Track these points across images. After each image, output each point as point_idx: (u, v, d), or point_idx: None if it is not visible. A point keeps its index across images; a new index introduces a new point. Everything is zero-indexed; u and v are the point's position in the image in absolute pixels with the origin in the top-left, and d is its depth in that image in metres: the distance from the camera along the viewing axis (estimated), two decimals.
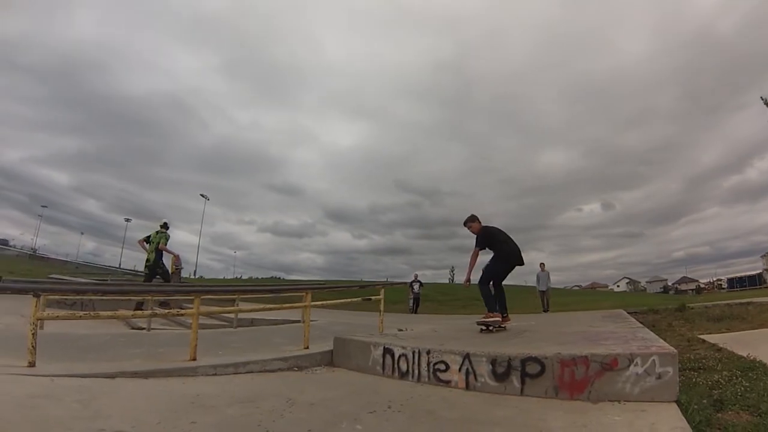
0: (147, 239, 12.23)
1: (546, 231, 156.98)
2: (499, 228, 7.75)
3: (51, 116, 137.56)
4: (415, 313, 21.90)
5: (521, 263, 7.54)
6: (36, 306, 4.82)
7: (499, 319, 7.05)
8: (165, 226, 12.59)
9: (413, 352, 4.91)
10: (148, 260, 11.97)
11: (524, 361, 4.09)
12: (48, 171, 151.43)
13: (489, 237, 7.48)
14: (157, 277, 11.99)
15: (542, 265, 20.04)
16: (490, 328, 6.89)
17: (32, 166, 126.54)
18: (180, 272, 13.92)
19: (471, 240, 7.49)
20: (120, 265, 68.23)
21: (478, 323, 7.04)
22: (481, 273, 7.39)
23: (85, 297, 11.18)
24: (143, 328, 9.47)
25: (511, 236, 7.66)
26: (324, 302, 7.69)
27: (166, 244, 12.25)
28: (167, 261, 12.51)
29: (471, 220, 7.76)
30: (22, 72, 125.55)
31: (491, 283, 7.39)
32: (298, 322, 9.71)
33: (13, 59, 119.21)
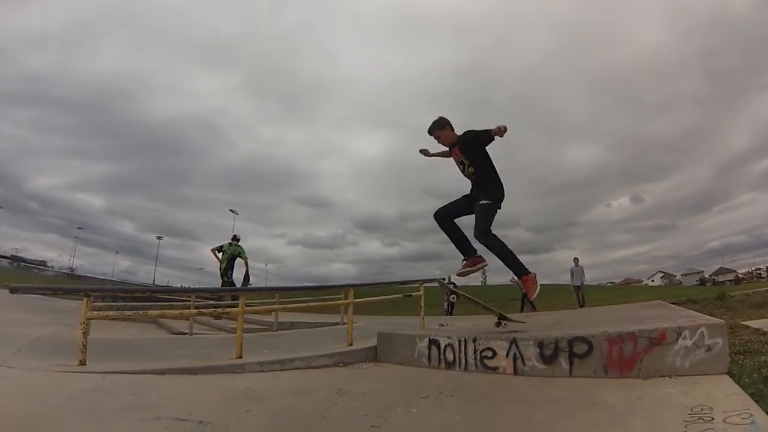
0: (219, 249, 12.94)
1: (577, 228, 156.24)
2: None
3: (83, 144, 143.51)
4: (451, 314, 21.87)
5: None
6: (86, 306, 5.02)
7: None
8: (236, 238, 13.27)
9: (459, 341, 4.89)
10: (221, 268, 12.69)
11: (571, 342, 4.06)
12: (82, 196, 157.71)
13: (478, 151, 5.36)
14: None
15: (576, 260, 20.02)
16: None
17: (67, 191, 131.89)
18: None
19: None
20: (154, 281, 70.10)
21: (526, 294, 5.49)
22: (478, 221, 5.21)
23: (131, 297, 11.58)
24: (185, 333, 9.64)
25: None
26: (366, 299, 7.70)
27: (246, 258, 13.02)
28: (238, 272, 13.11)
29: (440, 126, 5.55)
30: (53, 104, 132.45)
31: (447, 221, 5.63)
32: (338, 324, 9.84)
33: (45, 93, 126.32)
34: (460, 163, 5.53)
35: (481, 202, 5.23)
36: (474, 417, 3.11)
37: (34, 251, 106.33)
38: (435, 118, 5.60)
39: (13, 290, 5.40)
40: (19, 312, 10.58)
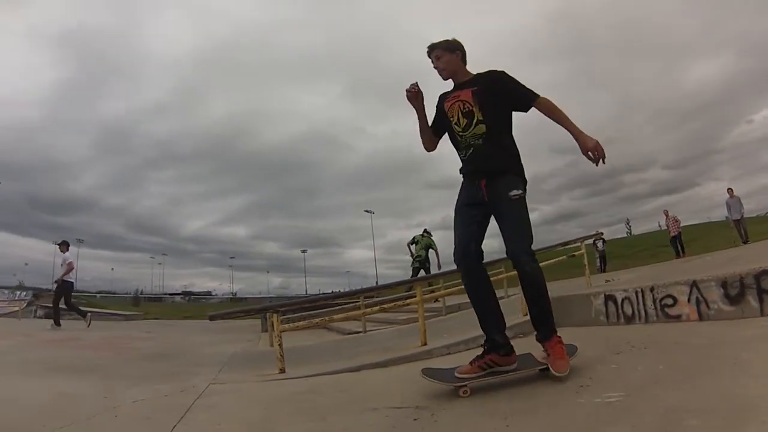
0: (413, 241, 14.67)
1: (719, 155, 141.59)
2: None
3: (218, 185, 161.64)
4: (604, 271, 20.86)
5: None
6: (277, 321, 5.51)
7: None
8: (428, 232, 14.92)
9: (636, 293, 4.72)
10: (419, 256, 14.31)
11: (758, 277, 3.74)
12: (228, 229, 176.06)
13: (503, 106, 3.39)
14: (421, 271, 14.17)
15: (730, 190, 18.11)
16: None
17: (215, 228, 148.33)
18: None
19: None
20: (306, 291, 75.14)
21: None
22: (516, 228, 3.31)
23: (312, 307, 12.79)
24: (359, 332, 9.98)
25: None
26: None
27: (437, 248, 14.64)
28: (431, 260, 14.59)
29: (450, 47, 3.46)
30: (185, 159, 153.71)
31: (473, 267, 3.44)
32: (502, 297, 9.81)
33: (176, 151, 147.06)
34: (463, 114, 3.37)
35: (512, 194, 3.24)
36: (677, 364, 3.02)
37: (199, 284, 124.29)
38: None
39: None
40: (199, 335, 11.81)
